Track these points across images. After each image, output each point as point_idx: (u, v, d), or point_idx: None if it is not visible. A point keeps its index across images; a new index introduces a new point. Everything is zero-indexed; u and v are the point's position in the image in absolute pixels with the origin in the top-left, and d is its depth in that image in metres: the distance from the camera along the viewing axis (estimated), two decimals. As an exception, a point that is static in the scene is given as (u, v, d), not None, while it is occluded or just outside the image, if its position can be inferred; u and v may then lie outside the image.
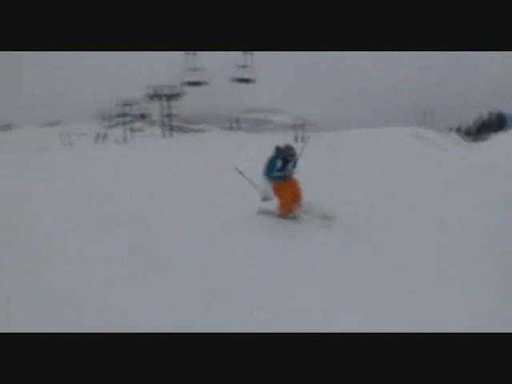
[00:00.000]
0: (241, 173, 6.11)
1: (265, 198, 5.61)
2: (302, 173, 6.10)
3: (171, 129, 39.80)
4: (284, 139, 29.12)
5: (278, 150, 5.50)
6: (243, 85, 35.07)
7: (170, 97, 38.68)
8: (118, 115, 45.04)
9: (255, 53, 34.03)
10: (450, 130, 55.46)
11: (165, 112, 39.51)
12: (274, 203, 5.89)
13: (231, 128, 49.10)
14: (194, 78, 33.88)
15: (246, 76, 34.28)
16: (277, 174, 5.50)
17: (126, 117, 44.36)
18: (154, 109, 41.26)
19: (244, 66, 34.05)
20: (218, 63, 34.53)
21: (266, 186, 5.53)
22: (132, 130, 44.25)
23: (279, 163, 5.44)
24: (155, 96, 38.50)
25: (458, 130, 66.08)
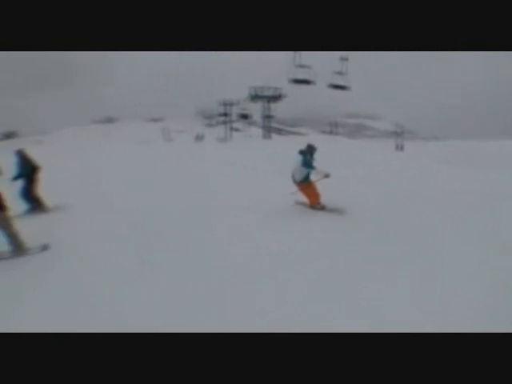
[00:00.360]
0: (294, 193, 7.86)
1: (327, 175, 7.23)
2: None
3: (269, 130, 41.58)
4: (386, 148, 28.50)
5: (304, 152, 7.45)
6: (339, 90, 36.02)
7: (271, 98, 40.10)
8: (220, 114, 47.67)
9: (353, 57, 35.11)
10: None
11: (265, 113, 41.19)
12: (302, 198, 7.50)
13: (331, 132, 49.71)
14: (301, 76, 34.58)
15: (341, 83, 35.31)
16: (312, 167, 7.35)
17: (227, 116, 46.80)
18: (254, 110, 43.45)
19: (340, 73, 35.10)
20: (316, 67, 35.37)
21: (319, 172, 7.26)
22: (232, 129, 46.53)
23: (309, 158, 7.39)
24: (257, 97, 40.20)
25: None
